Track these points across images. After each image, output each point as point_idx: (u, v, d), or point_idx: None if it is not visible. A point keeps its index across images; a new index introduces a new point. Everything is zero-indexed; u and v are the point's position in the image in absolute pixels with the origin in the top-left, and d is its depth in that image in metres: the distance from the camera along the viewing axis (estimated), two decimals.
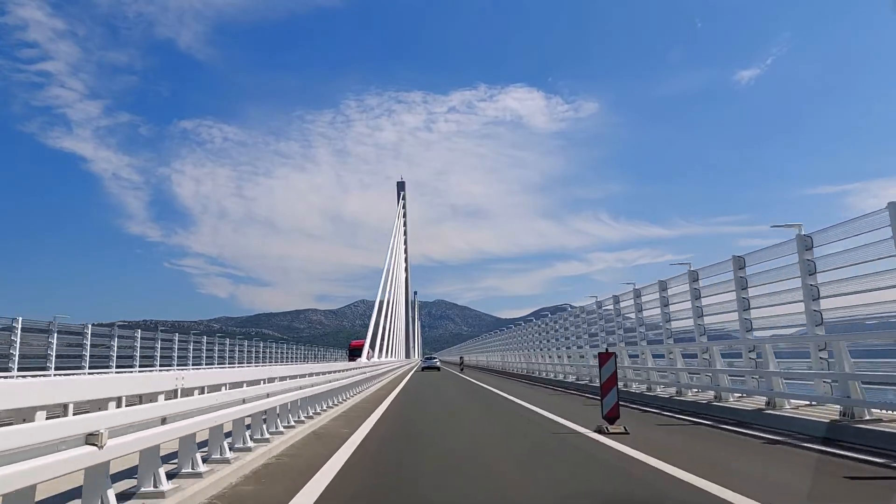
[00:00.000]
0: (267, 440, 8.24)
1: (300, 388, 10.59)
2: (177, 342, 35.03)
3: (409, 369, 63.85)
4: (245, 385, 7.68)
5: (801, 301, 12.28)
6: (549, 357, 33.20)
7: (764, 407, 11.73)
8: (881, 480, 6.71)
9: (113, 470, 4.45)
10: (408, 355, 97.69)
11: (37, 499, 3.70)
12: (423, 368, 62.86)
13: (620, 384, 20.44)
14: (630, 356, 21.97)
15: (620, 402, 17.85)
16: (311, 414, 11.85)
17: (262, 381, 8.62)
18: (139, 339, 30.39)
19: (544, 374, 32.96)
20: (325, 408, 13.50)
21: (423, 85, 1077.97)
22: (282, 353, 60.32)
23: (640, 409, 14.84)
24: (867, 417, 9.34)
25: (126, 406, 4.61)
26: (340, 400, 16.39)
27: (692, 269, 17.04)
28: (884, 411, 9.45)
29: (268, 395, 8.38)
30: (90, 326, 26.39)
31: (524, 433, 11.15)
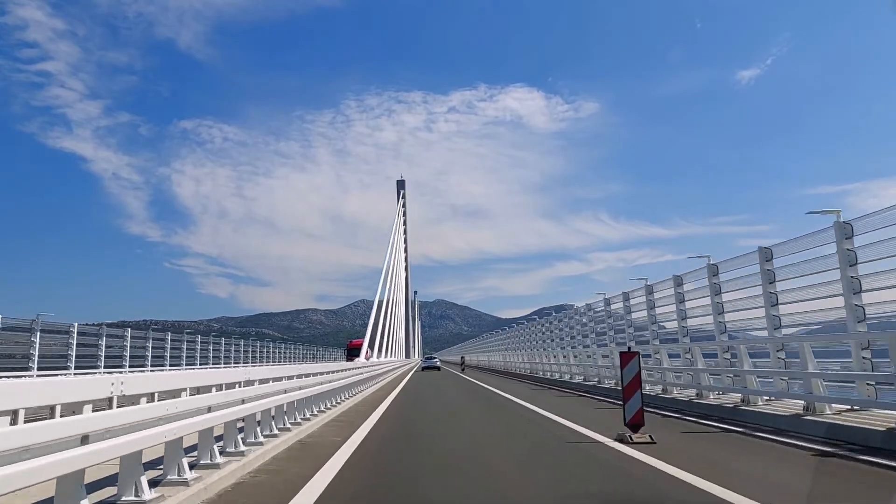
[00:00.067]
0: (241, 454, 7.10)
1: (285, 391, 9.45)
2: (169, 342, 34.00)
3: (409, 369, 62.82)
4: (214, 390, 6.55)
5: (839, 295, 11.16)
6: (554, 357, 32.05)
7: (802, 412, 10.57)
8: None
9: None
10: (408, 355, 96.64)
11: None
12: (424, 368, 62.64)
13: None
14: (642, 356, 20.85)
15: None
16: (299, 420, 10.70)
17: (238, 385, 7.48)
18: (129, 339, 29.38)
19: (549, 374, 31.82)
20: (315, 412, 12.36)
21: (423, 85, 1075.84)
22: (279, 352, 59.46)
23: (658, 413, 13.66)
24: None
25: (28, 421, 3.47)
26: (336, 402, 15.27)
27: (712, 262, 15.91)
28: None
29: (243, 402, 7.24)
30: (76, 325, 25.35)
31: (537, 443, 9.98)
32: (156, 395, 5.10)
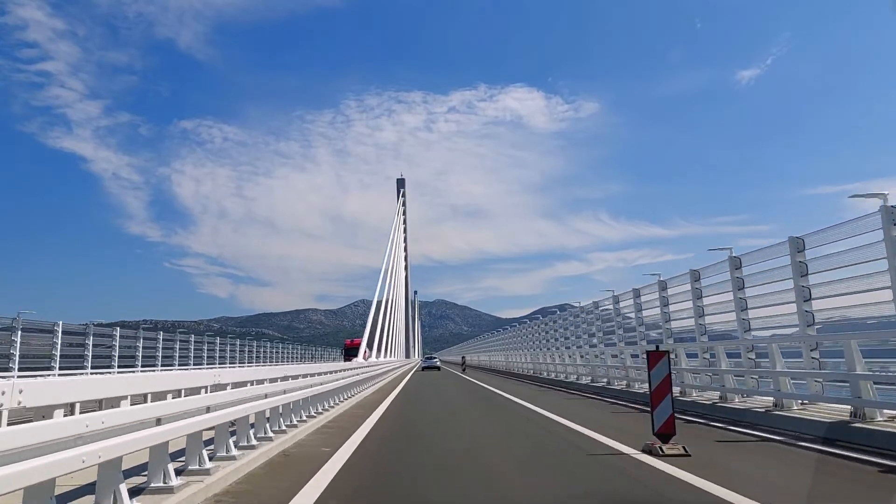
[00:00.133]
0: (205, 472, 5.94)
1: (265, 396, 8.30)
2: (161, 341, 32.93)
3: (408, 369, 61.76)
4: (170, 397, 5.40)
5: (887, 287, 9.99)
6: (560, 357, 30.89)
7: (849, 419, 9.42)
8: None
9: None
10: (408, 355, 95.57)
11: None
12: (424, 368, 62.46)
13: (646, 387, 18.09)
14: None
15: (645, 409, 15.58)
16: (283, 427, 9.54)
17: (204, 390, 6.33)
18: (118, 339, 28.30)
19: (553, 374, 30.66)
20: (304, 417, 11.21)
21: (423, 85, 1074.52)
22: (277, 353, 58.44)
23: (679, 418, 12.43)
24: None
25: None
26: (330, 406, 14.13)
27: (734, 255, 14.76)
28: None
29: (208, 410, 6.09)
30: (61, 324, 24.27)
31: (554, 456, 8.80)
32: (77, 405, 3.97)
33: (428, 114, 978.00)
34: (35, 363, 22.87)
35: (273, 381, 9.18)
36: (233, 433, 7.70)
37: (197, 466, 5.97)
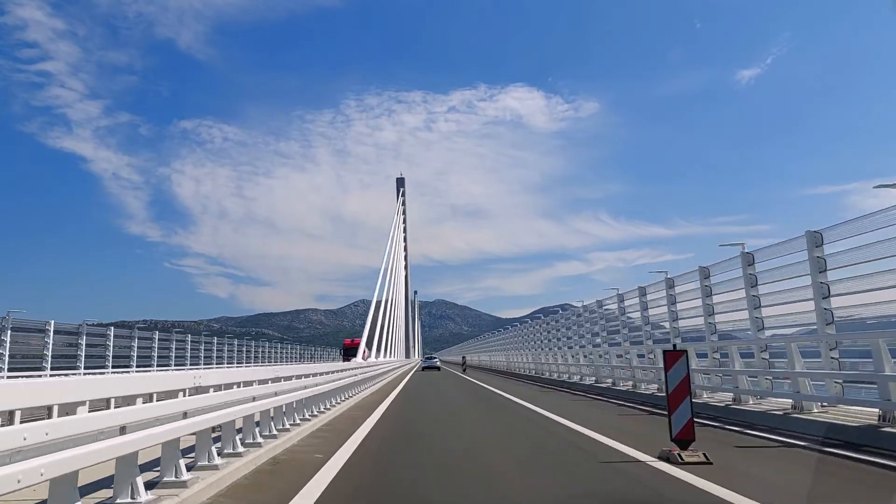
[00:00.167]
0: (182, 484, 5.36)
1: (253, 399, 7.72)
2: (157, 340, 32.42)
3: (408, 369, 61.23)
4: (140, 401, 4.82)
5: None
6: (562, 357, 30.32)
7: (877, 423, 8.85)
8: None
9: None
10: (408, 355, 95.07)
11: None
12: (424, 368, 62.36)
13: (654, 388, 17.66)
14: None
15: (654, 411, 15.06)
16: (274, 432, 8.96)
17: (183, 393, 5.76)
18: (112, 339, 27.77)
19: (556, 375, 30.10)
20: (298, 420, 10.63)
21: (423, 85, 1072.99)
22: (275, 352, 57.97)
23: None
24: None
25: None
26: (327, 407, 13.57)
27: (746, 251, 14.19)
28: None
29: (186, 415, 5.52)
30: (52, 323, 23.73)
31: (564, 463, 8.22)
32: (15, 413, 3.39)
33: (428, 113, 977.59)
34: (25, 363, 22.38)
35: (263, 382, 8.60)
36: (218, 439, 7.14)
37: (172, 478, 5.40)
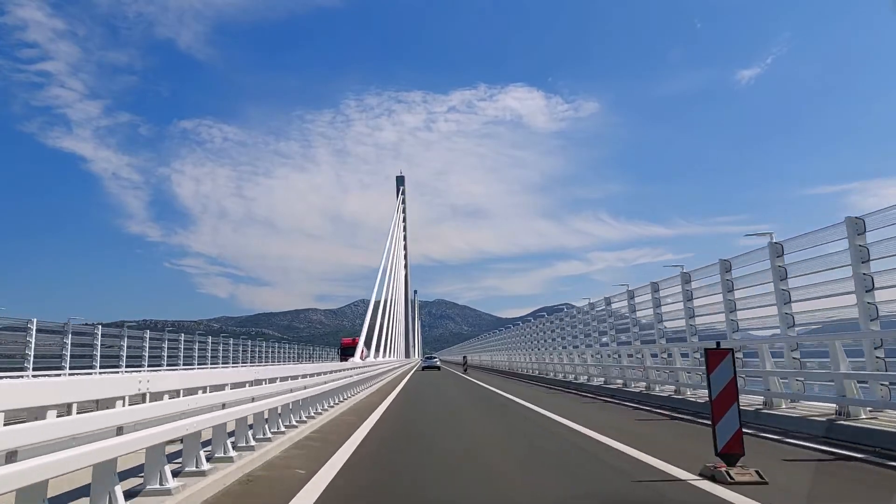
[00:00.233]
0: None
1: (223, 406, 6.57)
2: (147, 340, 31.42)
3: (408, 369, 60.13)
4: (76, 410, 3.68)
5: None
6: (568, 356, 29.17)
7: None
8: None
9: None
10: (408, 355, 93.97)
11: None
12: (423, 368, 61.87)
13: (671, 390, 16.40)
14: (671, 355, 18.02)
15: (675, 416, 13.84)
16: (252, 443, 7.80)
17: (121, 402, 4.62)
18: (100, 338, 26.71)
19: (561, 375, 28.94)
20: (283, 428, 9.47)
21: (423, 85, 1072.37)
22: (272, 352, 57.02)
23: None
24: None
25: None
26: (317, 412, 12.43)
27: (775, 241, 13.05)
28: None
29: (120, 430, 4.38)
30: (35, 322, 22.68)
31: (595, 482, 7.02)
32: None
33: (428, 113, 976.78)
34: (6, 363, 21.39)
35: (238, 386, 7.46)
36: (164, 458, 6.00)
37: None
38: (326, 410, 13.39)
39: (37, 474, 3.26)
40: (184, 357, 35.40)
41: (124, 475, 5.19)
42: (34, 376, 21.62)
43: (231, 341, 46.33)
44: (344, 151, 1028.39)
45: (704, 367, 15.38)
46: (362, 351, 37.49)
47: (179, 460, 6.09)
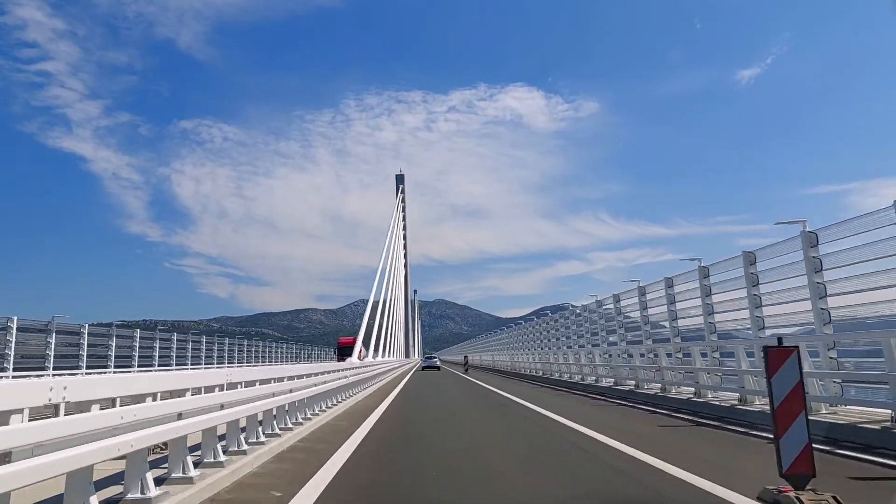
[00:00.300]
0: None
1: (179, 415, 5.41)
2: (137, 339, 30.42)
3: (408, 369, 59.02)
4: None
5: None
6: (574, 357, 28.02)
7: None
8: None
9: None
10: (407, 355, 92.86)
11: None
12: (423, 368, 61.14)
13: (689, 392, 15.04)
14: (686, 354, 16.88)
15: (696, 420, 12.67)
16: (219, 458, 6.63)
17: (20, 416, 3.49)
18: (86, 337, 25.72)
19: (566, 376, 27.79)
20: (260, 438, 8.31)
21: (423, 84, 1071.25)
22: (270, 352, 56.04)
23: (751, 434, 9.64)
24: None
25: None
26: (306, 416, 11.30)
27: (808, 229, 11.91)
28: None
29: (7, 458, 3.25)
30: (15, 320, 21.71)
31: None
32: None
33: (428, 113, 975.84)
34: None
35: (209, 391, 6.30)
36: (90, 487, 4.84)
37: None
38: (317, 415, 12.24)
39: None
40: (176, 357, 34.46)
41: None
42: (15, 377, 20.57)
43: (227, 341, 45.30)
44: (344, 151, 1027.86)
45: (725, 368, 14.29)
46: (360, 351, 36.32)
47: (123, 483, 4.93)
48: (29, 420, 3.49)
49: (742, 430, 10.31)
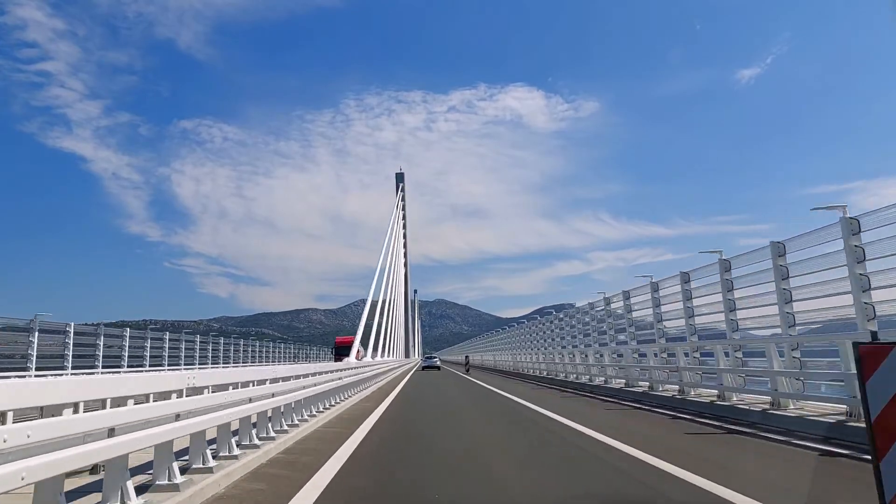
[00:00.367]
0: None
1: (106, 431, 4.29)
2: (127, 339, 29.46)
3: (408, 369, 57.99)
4: None
5: None
6: (581, 356, 26.90)
7: None
8: None
9: None
10: (407, 354, 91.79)
11: None
12: (423, 368, 60.77)
13: (711, 394, 13.58)
14: (704, 354, 15.79)
15: (725, 426, 11.25)
16: (175, 479, 5.52)
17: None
18: (72, 336, 24.71)
19: (573, 377, 26.66)
20: (233, 452, 7.19)
21: (423, 84, 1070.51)
22: (268, 352, 55.15)
23: (798, 445, 8.50)
24: None
25: None
26: (293, 422, 10.20)
27: (848, 215, 10.79)
28: None
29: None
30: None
31: None
32: None
33: (428, 113, 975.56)
34: None
35: (165, 397, 5.18)
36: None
37: None
38: (306, 420, 11.11)
39: None
40: (168, 358, 33.51)
41: None
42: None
43: (222, 340, 44.31)
44: (344, 151, 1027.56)
45: (755, 369, 13.10)
46: (358, 351, 35.22)
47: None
48: None
49: (783, 438, 9.18)
